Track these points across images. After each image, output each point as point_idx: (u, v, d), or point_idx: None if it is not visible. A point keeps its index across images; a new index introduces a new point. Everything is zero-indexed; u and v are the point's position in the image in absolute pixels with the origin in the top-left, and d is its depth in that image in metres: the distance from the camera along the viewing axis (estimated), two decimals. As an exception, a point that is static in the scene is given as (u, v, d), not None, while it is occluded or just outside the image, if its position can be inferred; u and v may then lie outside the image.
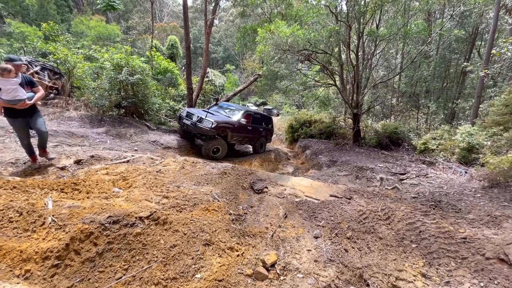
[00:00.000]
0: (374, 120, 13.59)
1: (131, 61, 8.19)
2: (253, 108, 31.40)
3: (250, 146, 10.00)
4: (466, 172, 5.79)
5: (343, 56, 10.29)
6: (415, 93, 13.11)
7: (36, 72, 8.26)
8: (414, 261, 2.66)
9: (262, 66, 13.79)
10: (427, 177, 5.76)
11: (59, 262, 2.07)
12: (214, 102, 10.06)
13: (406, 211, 3.40)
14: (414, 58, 9.78)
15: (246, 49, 13.86)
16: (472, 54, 12.08)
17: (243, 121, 8.32)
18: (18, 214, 2.30)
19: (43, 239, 2.21)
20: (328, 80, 10.86)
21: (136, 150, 6.49)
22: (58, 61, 8.96)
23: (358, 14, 8.33)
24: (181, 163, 4.80)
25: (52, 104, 7.99)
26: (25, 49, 11.52)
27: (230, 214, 3.17)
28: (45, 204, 2.55)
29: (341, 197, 3.91)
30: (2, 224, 2.20)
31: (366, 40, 9.60)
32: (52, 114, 7.51)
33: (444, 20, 10.41)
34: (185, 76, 11.54)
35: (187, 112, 7.96)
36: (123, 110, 8.59)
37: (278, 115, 26.17)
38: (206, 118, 7.22)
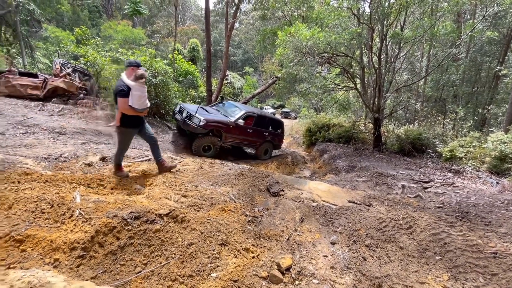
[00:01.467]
0: (396, 125, 13.11)
1: (154, 63, 8.50)
2: (270, 110, 31.43)
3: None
4: (497, 183, 5.42)
5: (365, 59, 10.05)
6: (442, 97, 12.50)
7: (68, 74, 8.81)
8: (438, 274, 2.52)
9: (281, 69, 13.79)
10: (453, 186, 5.45)
11: (85, 253, 2.18)
12: (219, 100, 9.75)
13: (430, 221, 3.25)
14: (442, 61, 9.35)
15: (266, 52, 13.93)
16: (506, 57, 11.33)
17: (241, 122, 7.69)
18: (50, 206, 2.45)
19: (71, 230, 2.35)
20: (349, 83, 10.64)
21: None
22: (88, 64, 9.49)
23: (381, 16, 8.11)
24: (199, 163, 4.90)
25: (81, 104, 8.46)
26: (59, 52, 12.33)
27: (246, 215, 3.19)
28: (73, 197, 2.71)
29: (360, 204, 3.80)
30: (35, 215, 2.36)
31: (390, 43, 9.31)
32: (81, 113, 7.95)
33: (475, 21, 9.87)
34: (205, 79, 11.80)
35: (180, 107, 7.67)
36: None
37: (295, 118, 25.98)
38: (196, 115, 6.85)
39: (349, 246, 2.85)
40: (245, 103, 13.47)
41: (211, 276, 2.24)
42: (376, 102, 9.38)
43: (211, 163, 5.06)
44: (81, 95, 8.85)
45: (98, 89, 9.86)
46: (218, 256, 2.43)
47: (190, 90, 12.08)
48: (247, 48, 39.46)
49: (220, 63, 33.46)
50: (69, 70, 8.96)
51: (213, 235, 2.63)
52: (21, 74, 8.27)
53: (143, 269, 2.23)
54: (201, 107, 7.96)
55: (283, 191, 4.11)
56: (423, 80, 12.44)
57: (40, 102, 7.85)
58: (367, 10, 9.16)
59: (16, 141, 4.99)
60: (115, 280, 2.10)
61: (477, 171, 6.36)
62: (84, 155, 4.58)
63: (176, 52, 13.03)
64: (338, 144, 10.95)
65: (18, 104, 7.33)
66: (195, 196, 3.37)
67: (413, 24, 9.07)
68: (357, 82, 10.03)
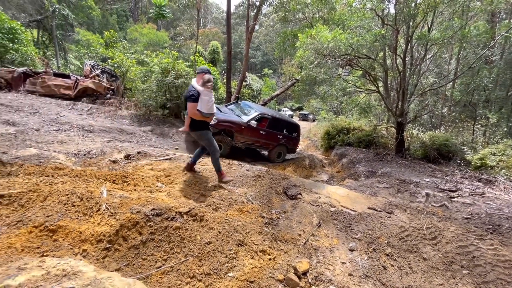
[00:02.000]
0: (420, 130, 12.54)
1: (177, 65, 8.78)
2: (288, 113, 31.24)
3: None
4: (534, 195, 5.02)
5: (388, 61, 9.73)
6: (472, 102, 11.79)
7: (97, 75, 9.31)
8: (464, 289, 2.39)
9: (301, 71, 13.69)
10: (483, 196, 5.12)
11: (110, 246, 2.29)
12: (235, 100, 9.68)
13: (457, 232, 3.08)
14: (472, 63, 8.84)
15: (286, 54, 13.90)
16: (546, 60, 10.49)
17: (253, 123, 7.63)
18: (80, 200, 2.61)
19: (98, 223, 2.48)
20: (370, 86, 10.35)
21: (176, 148, 6.91)
22: (115, 65, 9.98)
23: (407, 17, 7.82)
24: (218, 163, 4.98)
25: (108, 103, 8.91)
26: (89, 54, 13.07)
27: (263, 217, 3.20)
28: (100, 192, 2.86)
29: (381, 211, 3.68)
30: (67, 207, 2.52)
31: (415, 44, 8.95)
32: (107, 112, 8.38)
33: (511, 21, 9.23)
34: (224, 80, 11.97)
35: None
36: (167, 111, 9.21)
37: (314, 120, 25.63)
38: None
39: (368, 254, 2.77)
40: (264, 105, 13.50)
41: (228, 276, 2.27)
42: (399, 106, 9.04)
43: (229, 164, 5.12)
44: (108, 95, 9.31)
45: (123, 89, 10.33)
46: (235, 256, 2.46)
47: (210, 91, 12.30)
48: (267, 50, 39.60)
49: (239, 65, 33.81)
50: (98, 72, 9.47)
51: (231, 235, 2.66)
52: (56, 75, 8.85)
53: (163, 264, 2.30)
54: (217, 107, 7.93)
55: (301, 194, 4.07)
56: (451, 83, 11.82)
57: (72, 101, 8.37)
58: (392, 11, 8.89)
59: (50, 137, 5.35)
60: (137, 273, 2.19)
61: (511, 181, 5.94)
62: (110, 152, 4.81)
63: (198, 54, 13.35)
64: (358, 149, 10.67)
65: (52, 103, 7.85)
66: (213, 195, 3.43)
67: (441, 24, 8.66)
68: (379, 85, 9.74)
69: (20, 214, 2.38)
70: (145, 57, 10.48)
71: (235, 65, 35.89)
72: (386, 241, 2.93)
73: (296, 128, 9.17)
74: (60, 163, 3.78)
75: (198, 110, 3.32)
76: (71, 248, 2.23)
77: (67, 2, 16.51)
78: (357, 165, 8.29)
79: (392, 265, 2.62)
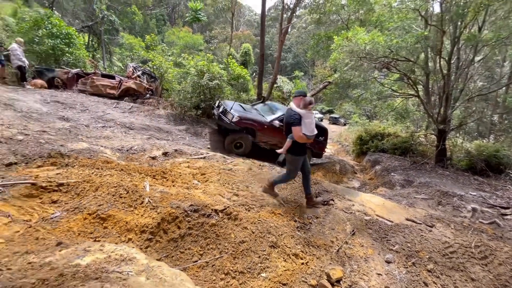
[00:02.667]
0: (465, 139, 11.53)
1: (211, 67, 9.07)
2: (318, 115, 30.57)
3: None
4: None
5: (430, 64, 9.10)
6: (529, 109, 10.56)
7: (138, 76, 9.97)
8: (520, 317, 2.16)
9: (334, 73, 13.36)
10: (542, 216, 4.57)
11: (152, 237, 2.45)
12: (261, 100, 9.53)
13: None
14: (532, 67, 7.93)
15: (318, 56, 13.67)
16: None
17: (276, 123, 7.35)
18: (126, 192, 2.82)
19: (141, 215, 2.66)
20: (409, 90, 9.79)
21: (209, 148, 7.14)
22: (154, 67, 10.61)
23: (455, 16, 7.26)
24: (249, 164, 5.06)
25: (147, 103, 9.49)
26: (132, 57, 14.06)
27: (295, 221, 3.19)
28: (144, 186, 3.07)
29: (421, 223, 3.47)
30: (115, 198, 2.75)
31: (463, 46, 8.27)
32: (146, 111, 8.93)
33: None
34: (255, 82, 12.11)
35: (219, 102, 7.79)
36: (201, 111, 9.55)
37: (345, 124, 24.82)
38: (230, 110, 6.90)
39: (407, 267, 2.62)
40: (294, 107, 13.40)
41: (261, 276, 2.30)
42: (441, 112, 8.42)
43: (260, 165, 5.18)
44: (148, 95, 9.92)
45: (161, 90, 10.94)
46: (268, 257, 2.48)
47: (241, 93, 12.55)
48: (298, 52, 39.23)
49: (270, 67, 33.92)
50: (139, 73, 10.14)
51: (264, 236, 2.70)
52: (103, 75, 9.65)
53: (199, 259, 2.40)
54: (239, 104, 7.92)
55: (333, 200, 3.98)
56: (504, 88, 10.72)
57: (115, 100, 9.05)
58: (437, 10, 8.32)
59: (97, 133, 5.85)
60: (175, 265, 2.31)
61: None
62: (150, 149, 5.13)
63: (231, 56, 13.69)
64: (393, 156, 10.11)
65: (99, 101, 8.56)
66: (246, 196, 3.50)
67: (494, 24, 7.91)
68: (419, 89, 9.15)
69: (77, 202, 2.64)
70: (182, 60, 11.02)
71: (265, 67, 36.10)
72: (427, 256, 2.75)
73: (323, 131, 8.70)
74: (107, 157, 4.12)
75: (303, 133, 3.31)
76: (118, 236, 2.43)
77: (114, 9, 17.95)
78: (392, 173, 7.87)
79: (434, 282, 2.46)
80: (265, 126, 7.34)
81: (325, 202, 3.84)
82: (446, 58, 7.97)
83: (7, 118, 4.68)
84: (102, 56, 15.57)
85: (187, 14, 15.73)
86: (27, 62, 8.14)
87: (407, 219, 3.64)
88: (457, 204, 4.92)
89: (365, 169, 10.18)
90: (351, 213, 3.68)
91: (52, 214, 2.43)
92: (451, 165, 8.60)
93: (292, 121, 3.23)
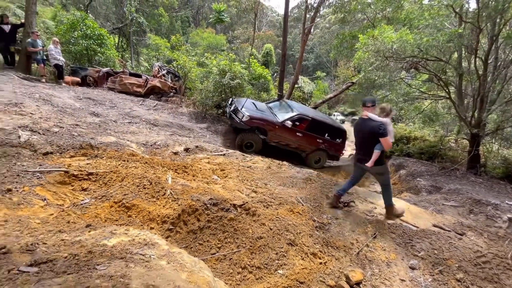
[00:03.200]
0: (502, 145, 10.68)
1: (233, 67, 9.18)
2: (340, 117, 29.84)
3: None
4: None
5: (464, 64, 8.54)
6: None
7: (163, 75, 10.32)
8: None
9: (357, 74, 12.97)
10: None
11: (172, 227, 2.52)
12: (277, 98, 9.24)
13: (554, 268, 2.54)
14: None
15: (342, 56, 13.34)
16: None
17: (288, 123, 7.23)
18: (149, 183, 2.93)
19: (163, 206, 2.75)
20: (439, 92, 9.25)
21: (228, 146, 7.22)
22: (178, 66, 10.94)
23: (494, 12, 6.76)
24: (268, 163, 5.05)
25: (171, 101, 9.80)
26: (157, 57, 14.61)
27: (314, 220, 3.13)
28: (166, 179, 3.17)
29: (449, 230, 3.26)
30: (139, 189, 2.86)
31: (502, 45, 7.68)
32: (170, 109, 9.23)
33: None
34: (276, 82, 12.07)
35: (232, 100, 7.77)
36: (221, 110, 9.70)
37: (367, 127, 23.97)
38: (241, 110, 6.86)
39: (433, 275, 2.48)
40: (315, 108, 13.19)
41: (278, 273, 2.29)
42: (475, 115, 7.86)
43: (279, 164, 5.15)
44: (171, 94, 10.24)
45: (184, 89, 11.25)
46: (285, 254, 2.46)
47: (262, 92, 12.58)
48: (321, 52, 38.61)
49: (291, 67, 33.69)
50: (164, 72, 10.50)
51: (281, 233, 2.68)
52: (131, 74, 10.10)
53: (217, 251, 2.44)
54: (252, 102, 7.82)
55: (354, 202, 3.86)
56: (549, 91, 9.77)
57: (141, 98, 9.44)
58: (473, 6, 7.79)
59: (124, 128, 6.13)
60: (194, 256, 2.36)
61: None
62: (172, 145, 5.29)
63: (252, 56, 13.77)
64: (419, 160, 9.62)
65: (126, 98, 8.98)
66: (264, 193, 3.49)
67: (540, 20, 7.24)
68: (451, 90, 8.62)
69: (104, 190, 2.78)
70: (205, 59, 11.27)
71: (287, 67, 35.89)
72: (456, 265, 2.58)
73: (341, 133, 8.32)
74: (133, 150, 4.31)
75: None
76: (141, 225, 2.52)
77: (142, 12, 18.75)
78: (418, 179, 7.48)
79: (463, 293, 2.30)
80: (277, 126, 7.19)
81: (345, 204, 3.73)
82: (483, 58, 7.44)
83: (45, 112, 5.04)
84: (130, 56, 16.32)
85: (210, 16, 16.07)
86: (63, 61, 8.73)
87: (434, 225, 3.44)
88: (491, 213, 4.56)
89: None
90: (372, 216, 3.55)
91: (82, 200, 2.58)
92: (485, 172, 8.01)
93: (381, 131, 3.08)
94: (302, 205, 3.44)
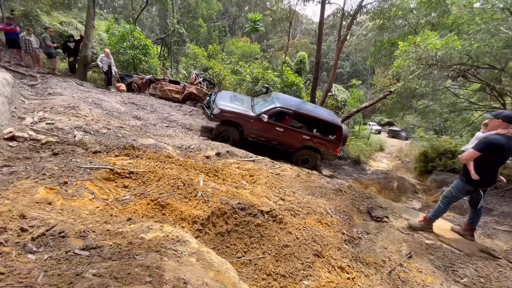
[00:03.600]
0: None
1: (266, 75, 9.35)
2: (375, 127, 28.40)
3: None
4: None
5: (524, 72, 7.65)
6: None
7: (200, 82, 10.86)
8: None
9: (396, 82, 12.31)
10: None
11: (202, 228, 2.63)
12: (265, 90, 8.59)
13: None
14: None
15: (379, 64, 12.81)
16: None
17: (264, 117, 6.62)
18: (183, 184, 3.10)
19: (194, 207, 2.88)
20: (492, 102, 8.39)
21: (258, 152, 7.30)
22: (214, 74, 11.44)
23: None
24: (297, 171, 5.01)
25: (205, 107, 10.25)
26: (195, 65, 15.45)
27: (343, 233, 3.02)
28: (198, 181, 3.32)
29: (500, 258, 2.91)
30: (173, 189, 3.04)
31: None
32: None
33: None
34: (309, 90, 11.95)
35: (213, 92, 7.56)
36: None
37: (407, 139, 22.52)
38: (214, 102, 6.71)
39: (478, 306, 2.23)
40: (349, 117, 12.77)
41: (303, 283, 2.25)
42: (537, 130, 6.96)
43: (308, 173, 5.08)
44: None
45: (218, 95, 11.68)
46: (311, 265, 2.41)
47: (294, 100, 12.56)
48: (357, 60, 37.43)
49: (325, 75, 33.13)
50: (200, 79, 11.05)
51: (308, 243, 2.63)
52: (170, 81, 10.80)
53: (243, 256, 2.48)
54: (233, 95, 7.57)
55: (387, 217, 3.65)
56: None
57: (179, 104, 10.02)
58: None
59: (162, 131, 6.55)
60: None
61: None
62: (205, 149, 5.52)
63: (285, 65, 13.86)
64: (466, 177, 8.73)
65: (165, 104, 9.60)
66: (292, 201, 3.47)
67: None
68: (507, 101, 7.77)
69: (142, 189, 3.01)
70: (239, 67, 11.64)
71: (321, 75, 35.36)
72: (507, 298, 2.30)
73: (334, 129, 7.26)
74: (169, 153, 4.59)
75: None
76: (173, 223, 2.67)
77: (183, 23, 20.05)
78: (464, 198, 6.79)
79: (515, 330, 2.03)
80: (251, 120, 6.72)
81: (378, 218, 3.55)
82: (547, 65, 6.62)
83: (96, 115, 5.62)
84: (170, 64, 17.48)
85: (246, 25, 16.58)
86: (116, 70, 9.71)
87: (482, 251, 3.10)
88: (555, 243, 3.96)
89: (429, 189, 9.02)
90: (408, 234, 3.31)
91: (123, 196, 2.82)
92: (549, 195, 7.00)
93: None
94: (331, 216, 3.35)
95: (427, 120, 14.73)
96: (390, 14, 11.13)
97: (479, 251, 3.10)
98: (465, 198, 5.60)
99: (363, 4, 11.87)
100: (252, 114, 6.83)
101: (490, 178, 2.99)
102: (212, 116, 6.67)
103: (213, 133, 7.00)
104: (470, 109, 9.15)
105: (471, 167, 2.91)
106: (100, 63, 9.27)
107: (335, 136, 7.25)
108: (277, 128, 6.85)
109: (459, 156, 3.16)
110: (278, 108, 6.82)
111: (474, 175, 2.87)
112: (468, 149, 3.11)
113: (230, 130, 6.78)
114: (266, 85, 10.01)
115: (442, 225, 3.72)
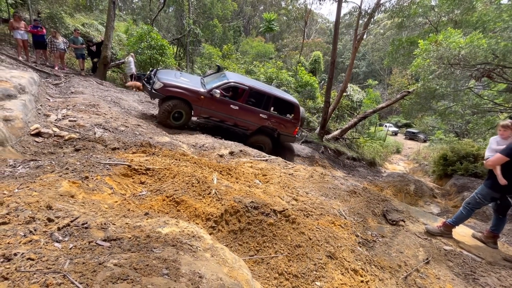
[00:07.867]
0: None
1: (280, 74, 9.32)
2: (392, 129, 27.63)
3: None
4: None
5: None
6: None
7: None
8: None
9: (415, 82, 11.91)
10: None
11: (215, 225, 2.67)
12: (216, 69, 7.82)
13: None
14: None
15: (397, 64, 12.44)
16: None
17: (217, 93, 5.96)
18: (197, 182, 3.15)
19: (208, 204, 2.93)
20: (519, 104, 7.94)
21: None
22: (228, 74, 11.54)
23: None
24: (310, 171, 4.97)
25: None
26: (209, 65, 15.64)
27: (357, 236, 2.97)
28: (212, 179, 3.37)
29: (525, 267, 2.76)
30: (188, 186, 3.10)
31: None
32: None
33: None
34: (323, 90, 11.79)
35: (154, 69, 6.82)
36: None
37: (425, 141, 21.77)
38: (156, 76, 6.02)
39: (500, 317, 2.13)
40: (364, 117, 12.50)
41: (315, 284, 2.24)
42: None
43: (321, 173, 5.02)
44: (220, 99, 10.83)
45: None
46: (324, 266, 2.39)
47: (308, 100, 12.44)
48: (373, 59, 36.56)
49: (341, 75, 32.59)
50: (214, 79, 11.20)
51: (321, 244, 2.61)
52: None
53: (255, 254, 2.49)
54: (180, 73, 6.99)
55: (404, 221, 3.55)
56: None
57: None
58: None
59: (177, 129, 6.68)
60: (234, 255, 2.45)
61: None
62: (218, 148, 5.58)
63: (300, 64, 13.76)
64: (489, 182, 8.32)
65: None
66: (305, 201, 3.45)
67: None
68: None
69: (158, 185, 3.09)
70: (253, 67, 11.67)
71: (336, 75, 34.81)
72: (532, 309, 2.18)
73: (292, 107, 6.69)
74: (184, 151, 4.68)
75: None
76: (188, 220, 2.72)
77: (199, 23, 20.33)
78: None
79: None
80: (202, 97, 6.02)
81: (394, 222, 3.46)
82: None
83: (115, 113, 5.82)
84: (186, 64, 17.79)
85: (261, 25, 16.59)
86: (134, 71, 10.11)
87: (505, 259, 2.95)
88: None
89: (449, 194, 8.69)
90: (425, 239, 3.21)
91: (140, 192, 2.90)
92: None
93: None
94: (345, 218, 3.30)
95: (448, 122, 14.15)
96: (410, 12, 10.78)
97: (503, 259, 2.96)
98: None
99: (381, 2, 11.57)
100: (202, 90, 6.14)
101: None
102: (153, 91, 5.88)
103: (159, 114, 6.17)
104: (495, 110, 8.71)
105: (498, 172, 2.78)
106: (133, 68, 9.65)
107: (292, 115, 6.77)
108: (231, 106, 6.24)
109: (484, 161, 3.02)
110: (232, 83, 6.20)
111: (502, 180, 2.74)
112: (489, 156, 3.00)
113: (181, 105, 6.04)
114: (217, 64, 9.24)
115: (462, 231, 3.57)
